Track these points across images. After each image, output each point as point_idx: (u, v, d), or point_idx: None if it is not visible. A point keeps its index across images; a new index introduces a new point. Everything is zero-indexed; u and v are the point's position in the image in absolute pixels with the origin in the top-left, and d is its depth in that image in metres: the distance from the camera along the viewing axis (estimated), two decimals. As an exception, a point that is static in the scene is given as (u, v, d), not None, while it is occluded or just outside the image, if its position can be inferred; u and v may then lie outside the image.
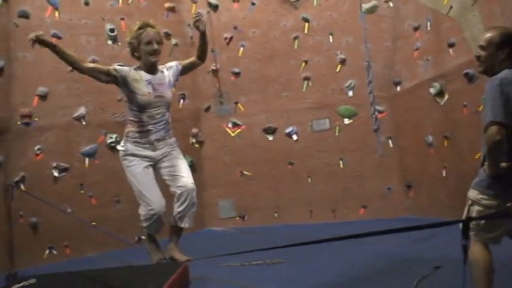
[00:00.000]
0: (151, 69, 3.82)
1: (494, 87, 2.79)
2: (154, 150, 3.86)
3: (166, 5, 7.27)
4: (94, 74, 3.69)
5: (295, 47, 7.38)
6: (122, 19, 6.84)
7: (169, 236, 4.22)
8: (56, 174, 6.36)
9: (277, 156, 7.40)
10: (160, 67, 3.93)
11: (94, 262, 5.68)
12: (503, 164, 2.77)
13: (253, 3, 7.42)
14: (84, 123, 6.62)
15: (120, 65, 3.84)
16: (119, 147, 3.94)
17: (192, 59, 4.18)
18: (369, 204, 7.10)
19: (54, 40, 6.37)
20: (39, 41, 3.63)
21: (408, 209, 6.83)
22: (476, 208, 2.90)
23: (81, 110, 6.58)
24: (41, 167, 6.29)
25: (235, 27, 7.40)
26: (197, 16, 3.92)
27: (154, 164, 3.93)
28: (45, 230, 6.18)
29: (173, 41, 7.12)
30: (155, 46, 3.77)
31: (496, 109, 2.73)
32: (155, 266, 4.32)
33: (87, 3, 6.61)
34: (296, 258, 4.81)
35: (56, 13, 6.48)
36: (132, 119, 3.82)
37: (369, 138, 6.65)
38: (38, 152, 6.27)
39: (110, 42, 6.75)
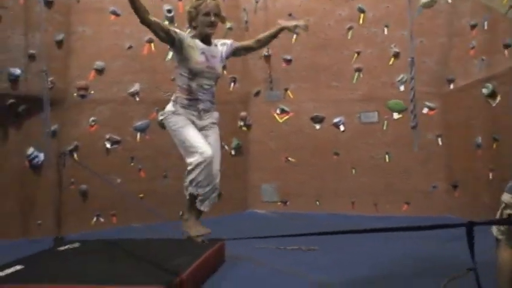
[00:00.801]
0: (206, 40, 3.83)
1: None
2: (200, 119, 3.87)
3: (225, -12, 7.36)
4: (155, 28, 3.71)
5: (349, 37, 7.36)
6: (180, 0, 7.00)
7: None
8: (108, 146, 6.67)
9: (322, 145, 7.44)
10: (214, 41, 3.96)
11: (138, 232, 5.94)
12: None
13: (309, -9, 7.42)
14: (137, 99, 6.87)
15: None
16: (167, 109, 3.80)
17: (249, 42, 4.09)
18: (412, 200, 7.05)
19: (112, 17, 6.67)
20: None
21: (452, 208, 6.73)
22: (508, 212, 2.87)
23: (136, 87, 6.84)
24: (94, 138, 6.62)
25: (289, 14, 7.41)
26: (305, 27, 3.98)
27: None
28: (94, 198, 6.52)
29: (228, 24, 7.22)
30: (212, 18, 3.76)
31: None
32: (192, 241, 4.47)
33: (147, -17, 6.78)
34: (330, 247, 4.88)
35: (116, -9, 6.72)
36: (181, 85, 3.82)
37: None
38: (92, 124, 6.59)
39: (166, 22, 6.90)
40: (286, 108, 7.62)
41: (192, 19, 3.82)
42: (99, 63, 6.63)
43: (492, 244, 2.92)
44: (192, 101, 3.79)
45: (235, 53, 4.08)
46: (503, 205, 2.94)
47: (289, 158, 7.58)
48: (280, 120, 7.67)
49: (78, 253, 4.23)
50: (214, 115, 3.99)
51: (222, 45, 3.95)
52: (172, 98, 3.89)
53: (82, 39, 6.54)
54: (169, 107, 3.84)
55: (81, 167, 6.09)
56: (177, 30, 3.75)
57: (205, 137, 3.88)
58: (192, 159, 3.67)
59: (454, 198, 6.77)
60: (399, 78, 7.10)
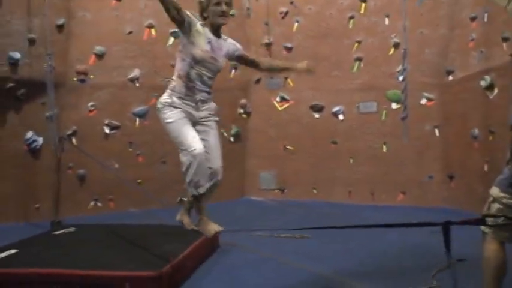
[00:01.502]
0: (216, 31, 3.81)
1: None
2: (197, 110, 3.83)
3: (227, -25, 7.33)
4: (168, 4, 3.69)
5: (350, 26, 7.34)
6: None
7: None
8: (107, 131, 6.71)
9: (321, 134, 7.46)
10: (224, 36, 3.93)
11: (135, 217, 5.99)
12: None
13: (311, -20, 7.37)
14: (137, 84, 6.89)
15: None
16: (162, 100, 3.72)
17: (257, 59, 4.12)
18: (408, 190, 7.08)
19: (113, 2, 6.66)
20: None
21: (447, 199, 6.76)
22: (496, 206, 2.90)
23: (136, 72, 6.85)
24: (93, 122, 6.65)
25: (291, 2, 7.41)
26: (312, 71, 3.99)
27: (193, 125, 3.90)
28: (92, 182, 6.58)
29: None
30: (224, 7, 3.73)
31: None
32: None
33: (148, -32, 6.76)
34: (323, 236, 4.90)
35: (117, -25, 6.70)
36: (179, 71, 3.79)
37: (415, 125, 6.51)
38: (91, 109, 6.63)
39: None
40: (286, 97, 7.63)
41: (203, 9, 3.77)
42: (99, 48, 6.64)
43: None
44: (189, 90, 3.76)
45: (239, 60, 4.04)
46: (491, 199, 2.98)
47: (288, 146, 7.61)
48: (280, 108, 7.69)
49: (73, 238, 4.28)
50: (212, 106, 3.96)
51: (231, 44, 3.91)
52: (169, 87, 3.84)
53: (82, 24, 6.54)
54: (166, 98, 3.76)
55: (79, 152, 6.13)
56: (189, 13, 3.71)
57: (204, 132, 3.86)
58: (183, 158, 3.63)
59: (450, 189, 6.81)
60: (399, 69, 7.06)
